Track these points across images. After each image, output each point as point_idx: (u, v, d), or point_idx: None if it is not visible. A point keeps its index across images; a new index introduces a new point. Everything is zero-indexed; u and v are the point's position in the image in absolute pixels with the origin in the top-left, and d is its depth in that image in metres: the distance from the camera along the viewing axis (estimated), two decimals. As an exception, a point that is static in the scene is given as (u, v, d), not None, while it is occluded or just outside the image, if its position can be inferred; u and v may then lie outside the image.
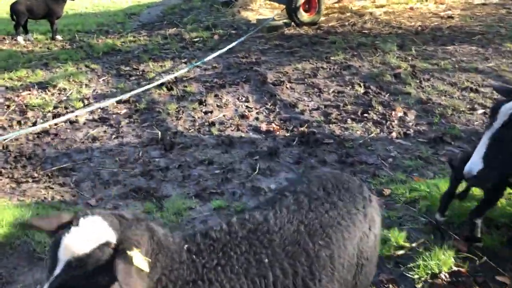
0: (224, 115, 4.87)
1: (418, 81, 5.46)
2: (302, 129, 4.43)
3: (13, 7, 7.76)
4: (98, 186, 3.68)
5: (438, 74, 5.64)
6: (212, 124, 4.67)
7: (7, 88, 5.88)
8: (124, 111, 5.07)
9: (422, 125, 4.50)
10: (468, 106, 4.78)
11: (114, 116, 4.96)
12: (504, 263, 2.58)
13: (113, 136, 4.55)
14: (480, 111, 4.68)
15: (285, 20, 8.42)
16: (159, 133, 4.51)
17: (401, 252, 2.67)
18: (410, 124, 4.52)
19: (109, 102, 4.96)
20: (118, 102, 5.22)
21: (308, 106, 5.01)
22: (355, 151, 4.05)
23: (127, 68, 6.45)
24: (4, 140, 4.27)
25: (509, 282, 2.44)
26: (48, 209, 3.17)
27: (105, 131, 4.66)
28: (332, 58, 6.42)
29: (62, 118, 4.25)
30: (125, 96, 4.74)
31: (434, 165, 3.77)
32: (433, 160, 3.85)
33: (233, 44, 6.47)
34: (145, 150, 4.24)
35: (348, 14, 9.09)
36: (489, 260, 2.59)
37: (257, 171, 3.73)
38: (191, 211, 3.22)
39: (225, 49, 6.14)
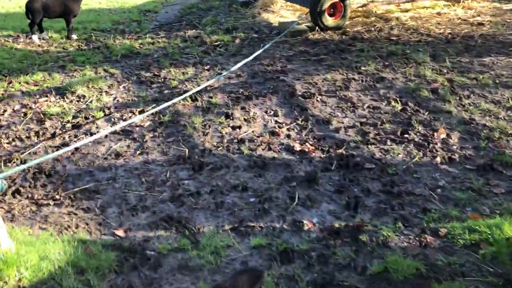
0: (253, 131, 4.59)
1: (458, 98, 5.14)
2: (340, 151, 4.15)
3: (28, 6, 7.48)
4: (125, 213, 3.41)
5: (478, 91, 5.32)
6: (242, 141, 4.39)
7: (23, 93, 5.63)
8: (147, 123, 4.80)
9: (467, 149, 4.20)
10: (515, 129, 4.47)
11: (137, 129, 4.69)
12: None
13: (137, 152, 4.28)
14: (530, 135, 4.37)
15: (308, 24, 8.10)
16: (186, 150, 4.24)
17: (471, 311, 2.39)
18: (455, 147, 4.22)
19: (139, 118, 4.68)
20: (141, 113, 4.95)
21: (342, 123, 4.71)
22: (399, 178, 3.76)
23: (148, 74, 6.17)
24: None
25: None
26: (75, 244, 2.91)
27: (128, 146, 4.39)
28: (363, 68, 6.12)
29: (91, 138, 3.97)
30: (155, 110, 4.46)
31: (488, 199, 3.47)
32: (485, 192, 3.55)
33: (259, 51, 6.17)
34: (172, 170, 3.97)
35: (373, 18, 8.77)
36: None
37: (296, 201, 3.45)
38: (229, 249, 2.95)
39: (252, 57, 5.84)
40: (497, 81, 5.56)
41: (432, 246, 2.94)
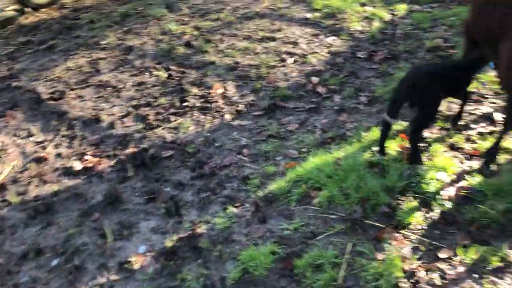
0: (12, 168, 3.57)
1: (213, 45, 4.98)
2: (128, 150, 3.55)
3: None
4: None
5: (227, 31, 5.26)
6: (3, 188, 3.37)
7: None
8: None
9: (247, 95, 4.12)
10: (276, 59, 4.57)
11: None
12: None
13: None
14: (290, 60, 4.53)
15: (15, 7, 6.71)
16: None
17: (340, 273, 2.32)
18: (236, 98, 4.09)
19: None
20: None
21: (113, 114, 4.07)
22: (203, 154, 3.44)
23: None
24: None
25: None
26: None
27: None
28: (103, 42, 5.38)
29: None
30: None
31: (289, 140, 3.47)
32: (284, 134, 3.54)
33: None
34: None
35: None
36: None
37: (109, 237, 2.80)
38: None
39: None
40: (238, 16, 5.59)
41: (269, 216, 2.77)
